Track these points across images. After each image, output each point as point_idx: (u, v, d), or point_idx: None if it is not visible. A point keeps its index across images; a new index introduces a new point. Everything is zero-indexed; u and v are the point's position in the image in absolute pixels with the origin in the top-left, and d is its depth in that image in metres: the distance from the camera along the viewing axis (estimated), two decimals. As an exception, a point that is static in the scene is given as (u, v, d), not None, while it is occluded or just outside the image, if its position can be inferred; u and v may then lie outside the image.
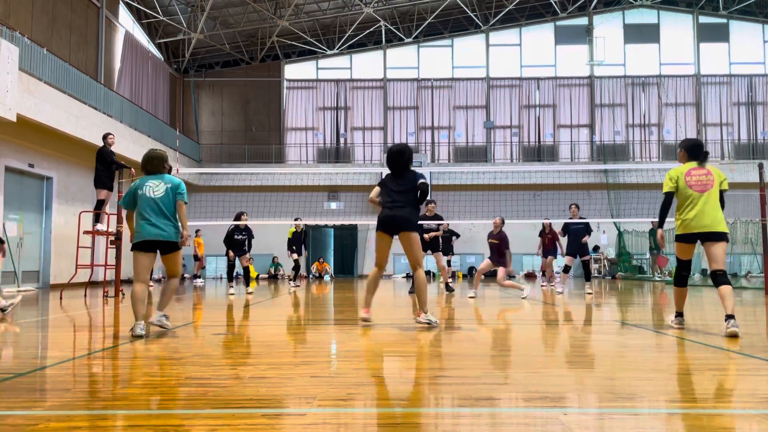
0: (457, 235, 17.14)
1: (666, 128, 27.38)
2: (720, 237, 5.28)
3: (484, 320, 6.91)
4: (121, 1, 22.05)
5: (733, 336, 4.92)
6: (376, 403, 2.85)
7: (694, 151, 5.50)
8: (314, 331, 5.93)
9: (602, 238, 25.49)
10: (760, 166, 10.97)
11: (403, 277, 24.75)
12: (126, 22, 22.54)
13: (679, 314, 5.69)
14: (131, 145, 18.39)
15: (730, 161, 25.66)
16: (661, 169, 23.28)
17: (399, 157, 6.10)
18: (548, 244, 14.45)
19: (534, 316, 7.40)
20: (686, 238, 5.39)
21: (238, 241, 12.52)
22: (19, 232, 14.75)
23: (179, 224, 5.34)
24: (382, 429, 2.40)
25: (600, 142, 27.17)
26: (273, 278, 24.13)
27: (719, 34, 27.77)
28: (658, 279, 18.58)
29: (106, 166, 10.53)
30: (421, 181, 6.01)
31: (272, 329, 6.09)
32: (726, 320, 5.03)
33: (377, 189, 6.25)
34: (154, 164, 5.44)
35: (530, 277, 23.65)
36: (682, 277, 5.63)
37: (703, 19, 27.82)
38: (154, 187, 5.29)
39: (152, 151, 5.55)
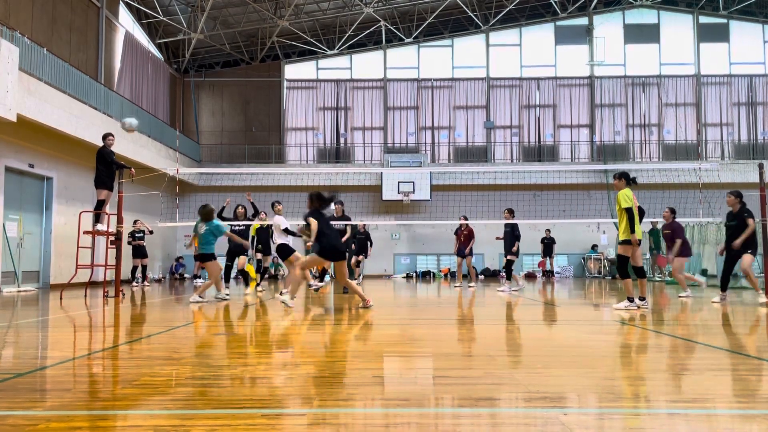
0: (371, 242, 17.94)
1: (666, 128, 27.35)
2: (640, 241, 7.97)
3: (484, 320, 6.92)
4: (121, 1, 22.04)
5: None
6: (376, 403, 2.85)
7: (629, 179, 8.09)
8: (314, 331, 5.92)
9: (602, 238, 25.49)
10: (760, 166, 10.95)
11: (403, 277, 24.76)
12: (126, 22, 22.53)
13: (631, 299, 7.74)
14: (131, 145, 18.39)
15: (730, 161, 25.66)
16: (661, 169, 23.29)
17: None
18: (463, 242, 14.41)
19: (533, 316, 7.40)
20: (638, 243, 7.89)
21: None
22: (19, 232, 14.75)
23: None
24: (382, 429, 2.40)
25: (600, 142, 27.15)
26: (273, 278, 24.11)
27: (719, 34, 27.76)
28: (658, 279, 18.57)
29: (106, 166, 10.54)
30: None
31: (272, 329, 6.09)
32: (641, 300, 7.80)
33: (317, 223, 7.93)
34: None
35: (530, 277, 23.61)
36: (631, 270, 7.98)
37: (703, 19, 27.81)
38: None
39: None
